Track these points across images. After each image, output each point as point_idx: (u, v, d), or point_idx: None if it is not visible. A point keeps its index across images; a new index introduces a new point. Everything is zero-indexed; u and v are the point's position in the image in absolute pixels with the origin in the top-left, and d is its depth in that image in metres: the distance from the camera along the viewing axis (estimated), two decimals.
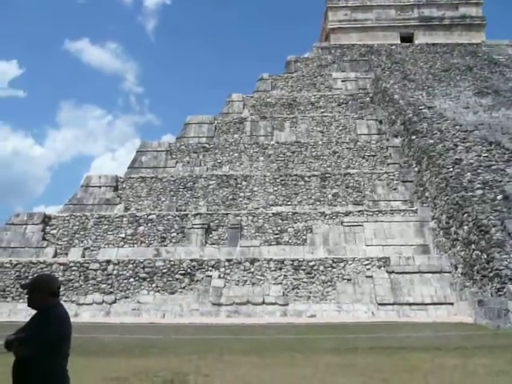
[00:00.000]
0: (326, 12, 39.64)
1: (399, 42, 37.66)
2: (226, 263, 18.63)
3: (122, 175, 24.65)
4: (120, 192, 23.44)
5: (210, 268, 18.47)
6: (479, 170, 19.54)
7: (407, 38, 38.08)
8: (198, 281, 18.23)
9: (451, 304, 17.32)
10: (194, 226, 20.48)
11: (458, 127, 23.07)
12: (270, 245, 20.00)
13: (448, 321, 16.34)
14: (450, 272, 17.92)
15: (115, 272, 18.77)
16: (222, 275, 18.30)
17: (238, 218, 20.91)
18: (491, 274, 14.83)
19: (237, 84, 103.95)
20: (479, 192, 17.96)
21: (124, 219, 21.16)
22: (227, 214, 21.15)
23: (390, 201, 22.09)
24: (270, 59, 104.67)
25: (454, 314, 17.16)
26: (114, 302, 18.14)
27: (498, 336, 12.80)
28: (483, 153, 20.87)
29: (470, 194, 17.90)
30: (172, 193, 23.00)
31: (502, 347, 10.63)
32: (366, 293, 17.72)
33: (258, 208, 22.10)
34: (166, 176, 23.80)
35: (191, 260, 18.68)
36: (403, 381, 7.33)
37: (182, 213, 21.39)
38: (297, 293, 17.90)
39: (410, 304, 17.33)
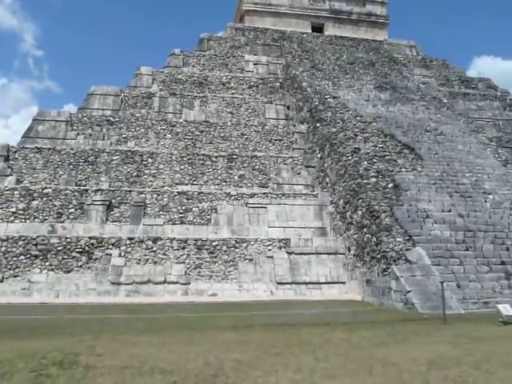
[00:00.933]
0: None
1: (310, 31, 38.68)
2: (128, 241, 18.13)
3: (15, 144, 22.69)
4: (12, 163, 21.57)
5: (110, 246, 17.85)
6: (374, 160, 20.98)
7: (318, 28, 39.25)
8: (96, 259, 17.54)
9: (343, 283, 18.59)
10: (95, 203, 19.57)
11: (358, 118, 24.49)
12: (174, 224, 19.79)
13: (339, 298, 17.54)
14: (343, 253, 19.17)
15: (3, 249, 17.39)
16: (122, 254, 17.78)
17: (142, 195, 20.37)
18: (379, 256, 16.13)
19: (147, 57, 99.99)
20: (373, 180, 19.33)
21: (15, 192, 19.56)
22: (130, 191, 20.49)
23: (293, 184, 22.90)
24: (185, 35, 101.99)
25: (345, 292, 18.45)
26: (1, 281, 16.82)
27: (381, 312, 14.02)
28: (379, 144, 22.42)
29: (366, 181, 19.20)
30: (71, 166, 21.68)
31: (383, 322, 11.66)
32: (267, 272, 18.35)
33: (163, 186, 21.67)
34: (65, 148, 22.33)
35: (90, 237, 17.89)
36: (294, 354, 7.74)
37: (82, 188, 20.30)
38: (199, 272, 18.00)
39: (306, 283, 18.30)
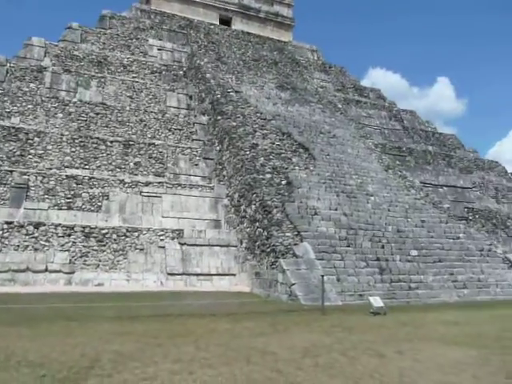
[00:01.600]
0: None
1: (218, 23, 38.59)
2: (5, 226, 16.64)
3: None
4: None
5: None
6: (271, 157, 21.63)
7: (226, 22, 39.26)
8: None
9: (234, 275, 18.96)
10: None
11: (258, 114, 25.03)
12: (61, 209, 18.58)
13: (229, 290, 17.86)
14: (235, 246, 19.53)
15: None
16: None
17: (25, 177, 18.81)
18: (268, 250, 16.70)
19: (43, 28, 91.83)
20: (268, 176, 19.92)
21: None
22: (12, 171, 18.81)
23: (190, 175, 22.74)
24: (86, 10, 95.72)
25: (235, 284, 18.83)
26: None
27: (267, 303, 14.56)
28: (276, 141, 23.15)
29: (261, 176, 19.72)
30: None
31: (267, 313, 12.12)
32: (157, 263, 18.06)
33: (50, 168, 20.21)
34: None
35: None
36: (176, 344, 7.74)
37: None
38: (85, 261, 17.14)
39: (197, 274, 18.35)
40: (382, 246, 17.70)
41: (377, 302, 12.19)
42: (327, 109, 29.05)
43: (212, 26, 36.97)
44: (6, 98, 22.50)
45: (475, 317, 12.32)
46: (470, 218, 27.22)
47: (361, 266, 16.35)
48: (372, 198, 20.61)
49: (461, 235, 20.18)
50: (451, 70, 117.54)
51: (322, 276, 12.54)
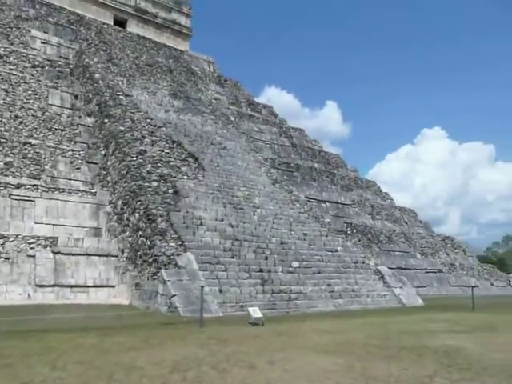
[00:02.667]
0: None
1: (112, 23, 37.02)
2: None
3: None
4: None
5: None
6: (159, 164, 21.01)
7: (120, 23, 37.79)
8: None
9: (113, 287, 17.89)
10: None
11: (148, 120, 24.27)
12: None
13: (106, 302, 16.79)
14: (116, 256, 18.48)
15: None
16: None
17: None
18: (151, 260, 16.04)
19: None
20: (155, 184, 19.27)
21: None
22: None
23: (70, 179, 21.14)
24: None
25: (113, 296, 17.77)
26: None
27: (145, 316, 13.90)
28: (166, 149, 22.59)
29: (147, 184, 19.00)
30: None
31: (143, 326, 11.52)
32: (25, 273, 16.35)
33: None
34: None
35: None
36: (30, 364, 6.90)
37: None
38: None
39: (71, 286, 16.98)
40: (266, 258, 18.01)
41: (255, 312, 12.24)
42: (220, 121, 29.19)
43: (105, 26, 35.31)
44: None
45: (347, 325, 12.95)
46: (349, 232, 29.08)
47: (244, 277, 16.42)
48: (258, 210, 20.97)
49: (339, 248, 21.35)
50: (339, 95, 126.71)
51: (202, 287, 12.29)
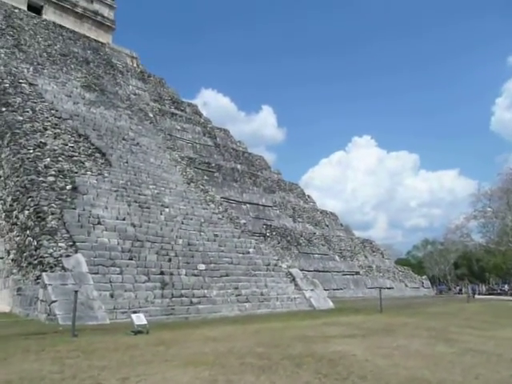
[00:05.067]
0: None
1: (26, 9, 34.43)
2: None
3: None
4: None
5: None
6: (60, 158, 19.35)
7: (36, 9, 35.30)
8: None
9: None
10: None
11: (53, 112, 22.45)
12: None
13: None
14: (2, 258, 16.66)
15: None
16: None
17: None
18: (36, 262, 14.48)
19: None
20: (51, 179, 17.64)
21: None
22: None
23: None
24: None
25: None
26: None
27: (18, 325, 12.37)
28: (70, 143, 20.93)
29: (42, 179, 17.33)
30: None
31: (5, 337, 10.13)
32: None
33: None
34: None
35: None
36: None
37: None
38: None
39: None
40: (169, 260, 16.97)
41: (139, 319, 11.20)
42: (136, 116, 27.77)
43: (17, 11, 32.72)
44: None
45: (241, 331, 12.23)
46: (268, 234, 28.71)
47: (141, 280, 15.27)
48: (167, 209, 19.89)
49: (251, 250, 20.74)
50: (274, 99, 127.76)
51: (76, 292, 11.04)
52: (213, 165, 31.22)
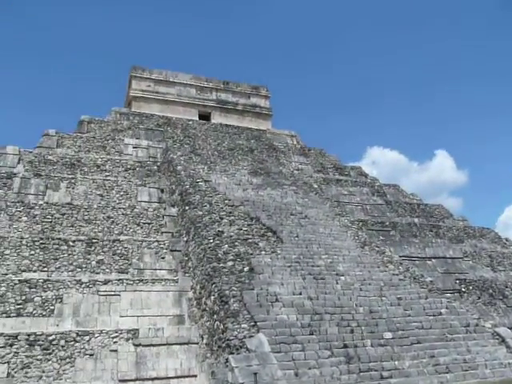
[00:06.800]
0: (131, 80, 40.25)
1: (197, 118, 39.96)
2: None
3: None
4: None
5: None
6: (236, 243, 20.81)
7: (205, 117, 40.69)
8: None
9: (195, 376, 17.26)
10: None
11: (226, 201, 24.65)
12: (9, 317, 17.56)
13: None
14: (197, 343, 18.03)
15: None
16: None
17: None
18: (224, 344, 15.25)
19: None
20: (230, 264, 18.94)
21: None
22: None
23: (156, 269, 21.84)
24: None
25: None
26: None
27: None
28: (244, 227, 22.48)
29: (222, 265, 18.74)
30: None
31: None
32: (108, 369, 16.54)
33: (6, 274, 19.52)
34: None
35: None
36: None
37: None
38: (27, 373, 15.75)
39: (152, 379, 16.72)
40: (351, 331, 16.14)
41: None
42: (301, 190, 28.69)
43: (190, 122, 38.11)
44: None
45: None
46: (464, 289, 25.51)
47: (325, 355, 14.74)
48: (342, 277, 19.34)
49: (443, 311, 18.51)
50: (447, 143, 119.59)
51: (255, 374, 11.10)
52: (387, 223, 29.87)
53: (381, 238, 28.00)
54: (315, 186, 30.51)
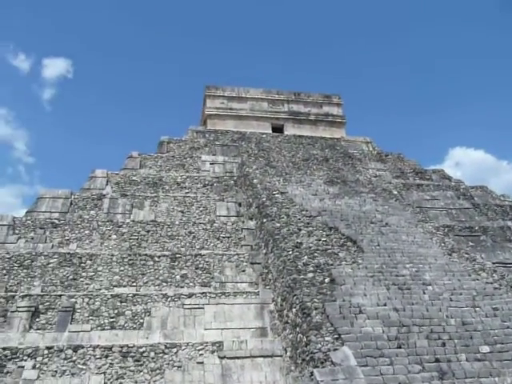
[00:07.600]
0: (205, 99, 41.71)
1: (271, 131, 40.34)
2: (46, 351, 16.88)
3: None
4: None
5: (25, 357, 16.59)
6: (315, 254, 20.55)
7: (278, 129, 40.98)
8: (8, 372, 16.19)
9: None
10: (19, 309, 18.58)
11: (304, 212, 24.49)
12: (104, 329, 18.68)
13: None
14: (281, 356, 17.95)
15: None
16: (37, 365, 16.47)
17: (73, 299, 19.47)
18: (308, 358, 15.03)
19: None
20: (310, 275, 18.72)
21: None
22: (61, 295, 19.62)
23: (237, 282, 22.18)
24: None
25: None
26: None
27: None
28: (323, 237, 22.16)
29: (302, 276, 18.57)
30: (4, 271, 20.99)
31: None
32: (196, 380, 16.95)
33: (99, 289, 20.85)
34: (0, 253, 21.82)
35: (3, 348, 16.67)
36: None
37: (9, 294, 19.44)
38: (121, 383, 16.59)
39: None
40: (443, 344, 15.18)
41: None
42: (380, 197, 27.78)
43: (264, 135, 38.54)
44: (66, 227, 24.43)
45: None
46: None
47: (415, 370, 13.97)
48: (430, 287, 18.32)
49: None
50: None
51: None
52: (476, 228, 28.00)
53: (470, 243, 26.31)
54: (395, 193, 29.41)
